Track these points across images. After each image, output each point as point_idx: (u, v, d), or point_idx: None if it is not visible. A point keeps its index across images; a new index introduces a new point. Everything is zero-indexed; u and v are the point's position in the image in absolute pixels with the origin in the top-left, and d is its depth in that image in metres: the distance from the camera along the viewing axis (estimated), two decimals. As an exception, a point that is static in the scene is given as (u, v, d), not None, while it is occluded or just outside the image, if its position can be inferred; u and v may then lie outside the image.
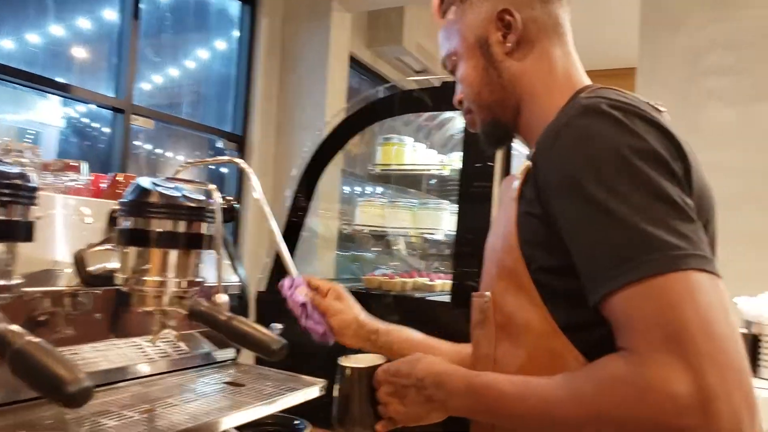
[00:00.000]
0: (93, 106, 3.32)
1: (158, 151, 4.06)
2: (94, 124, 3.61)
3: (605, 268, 0.67)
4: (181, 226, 0.99)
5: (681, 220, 0.66)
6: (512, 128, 0.95)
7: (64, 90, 3.00)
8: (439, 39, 0.99)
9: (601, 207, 0.67)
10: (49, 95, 3.10)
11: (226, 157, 1.23)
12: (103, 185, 1.33)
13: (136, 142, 3.66)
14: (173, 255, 0.99)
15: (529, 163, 0.81)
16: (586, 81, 0.91)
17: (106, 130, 3.36)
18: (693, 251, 0.64)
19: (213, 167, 4.47)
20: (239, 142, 3.94)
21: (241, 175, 3.96)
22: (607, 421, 0.65)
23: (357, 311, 1.17)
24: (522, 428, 0.78)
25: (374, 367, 0.97)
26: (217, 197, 1.15)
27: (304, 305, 1.14)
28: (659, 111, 0.80)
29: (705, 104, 3.13)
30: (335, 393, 1.00)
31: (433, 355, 1.03)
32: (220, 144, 3.90)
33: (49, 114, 3.51)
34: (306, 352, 1.46)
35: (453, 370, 0.86)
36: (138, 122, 3.32)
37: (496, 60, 0.90)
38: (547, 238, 0.75)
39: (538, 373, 0.76)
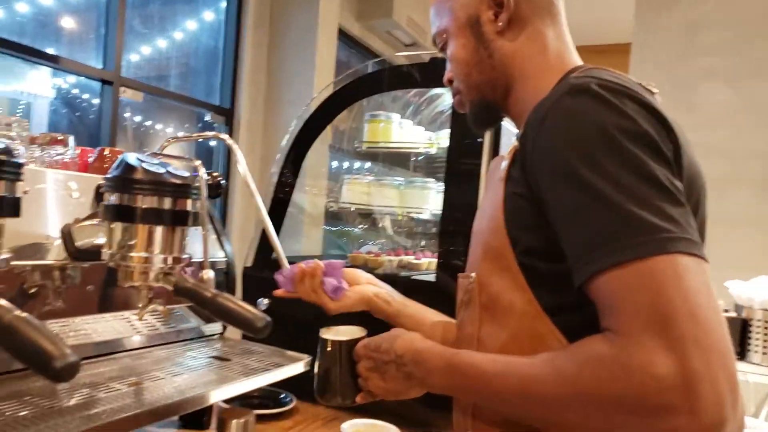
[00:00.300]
0: (83, 78, 3.29)
1: (147, 123, 4.03)
2: (83, 95, 3.58)
3: (592, 250, 0.67)
4: (166, 203, 1.00)
5: (669, 203, 0.65)
6: (501, 109, 0.94)
7: (53, 61, 2.96)
8: (430, 16, 0.98)
9: (588, 188, 0.67)
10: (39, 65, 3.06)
11: (212, 133, 1.23)
12: (90, 159, 1.34)
13: (125, 114, 3.64)
14: (158, 231, 1.00)
15: (516, 143, 0.80)
16: (579, 62, 0.89)
17: (96, 101, 3.33)
18: (680, 234, 0.64)
19: (201, 141, 4.45)
20: (227, 116, 3.92)
21: (229, 150, 3.93)
22: (588, 400, 0.65)
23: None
24: (503, 407, 0.78)
25: (355, 341, 0.99)
26: (203, 173, 1.15)
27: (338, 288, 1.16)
28: (651, 92, 0.79)
29: (700, 83, 3.12)
30: (317, 364, 1.02)
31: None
32: (208, 117, 3.88)
33: (39, 84, 3.47)
34: (291, 326, 1.48)
35: (432, 347, 0.87)
36: (126, 94, 3.29)
37: (486, 39, 0.89)
38: (534, 220, 0.75)
39: (521, 354, 0.76)
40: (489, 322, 0.83)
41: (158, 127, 4.16)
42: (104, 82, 3.20)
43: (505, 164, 0.82)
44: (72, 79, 3.39)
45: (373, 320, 1.16)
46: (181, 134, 3.86)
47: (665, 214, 0.64)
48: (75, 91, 3.60)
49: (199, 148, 4.36)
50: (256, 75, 3.95)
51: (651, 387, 0.60)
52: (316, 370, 1.03)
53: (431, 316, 1.15)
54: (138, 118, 3.91)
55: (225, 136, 1.21)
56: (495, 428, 0.82)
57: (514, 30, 0.88)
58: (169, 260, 1.02)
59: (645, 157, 0.66)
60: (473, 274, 0.86)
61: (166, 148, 1.26)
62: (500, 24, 0.88)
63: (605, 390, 0.64)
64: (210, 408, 1.30)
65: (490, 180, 0.92)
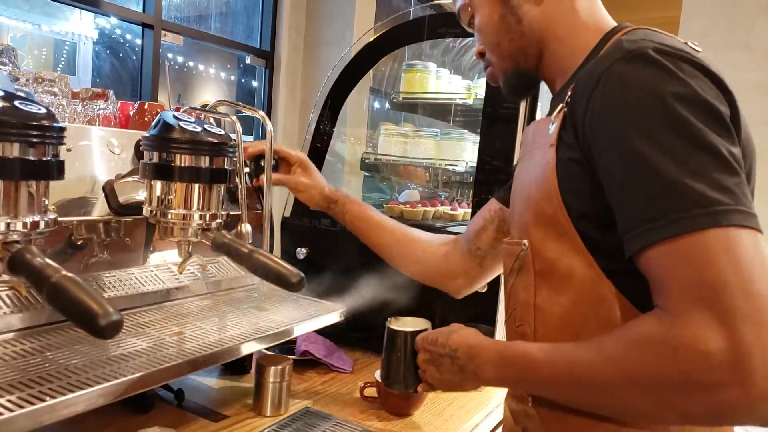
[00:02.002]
0: (124, 21, 3.31)
1: (188, 65, 4.05)
2: (126, 36, 3.61)
3: (643, 222, 0.65)
4: (203, 161, 1.02)
5: (725, 173, 0.63)
6: (535, 75, 0.93)
7: (93, 4, 2.98)
8: None
9: (641, 159, 0.65)
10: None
11: (250, 107, 1.26)
12: (131, 112, 1.36)
13: (169, 55, 3.66)
14: (196, 189, 1.03)
15: (563, 107, 0.78)
16: (611, 21, 0.87)
17: (138, 41, 3.36)
18: (735, 206, 0.62)
19: (243, 81, 4.46)
20: (267, 58, 3.90)
21: (270, 90, 3.95)
22: (637, 381, 0.64)
23: (322, 184, 1.33)
24: (555, 395, 0.78)
25: (417, 332, 1.05)
26: (239, 129, 1.17)
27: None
28: (697, 52, 0.76)
29: (757, 19, 2.95)
30: (383, 352, 1.10)
31: (382, 235, 1.26)
32: (248, 60, 3.87)
33: (82, 25, 3.51)
34: (329, 277, 1.51)
35: (484, 341, 0.88)
36: (167, 38, 3.30)
37: (513, 5, 0.87)
38: (589, 186, 0.74)
39: (583, 320, 0.76)
40: (546, 288, 0.82)
41: (201, 68, 4.18)
42: (145, 25, 3.21)
43: (554, 128, 0.80)
44: (114, 20, 3.41)
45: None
46: (224, 99, 3.87)
47: (720, 186, 0.62)
48: (118, 31, 3.63)
49: (239, 89, 4.38)
50: (295, 16, 3.90)
51: (698, 364, 0.59)
52: (382, 357, 1.10)
53: (392, 224, 1.30)
54: (180, 59, 3.93)
55: (262, 114, 1.24)
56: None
57: None
58: (207, 217, 1.05)
59: (701, 125, 0.64)
60: (525, 242, 0.85)
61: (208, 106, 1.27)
62: None
63: (652, 370, 0.63)
64: (250, 354, 1.36)
65: (533, 144, 0.89)
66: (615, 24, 0.86)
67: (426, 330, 1.05)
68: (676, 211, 0.63)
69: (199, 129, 1.04)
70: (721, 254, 0.60)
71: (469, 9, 0.93)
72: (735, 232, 0.61)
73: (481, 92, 1.64)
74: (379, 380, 1.24)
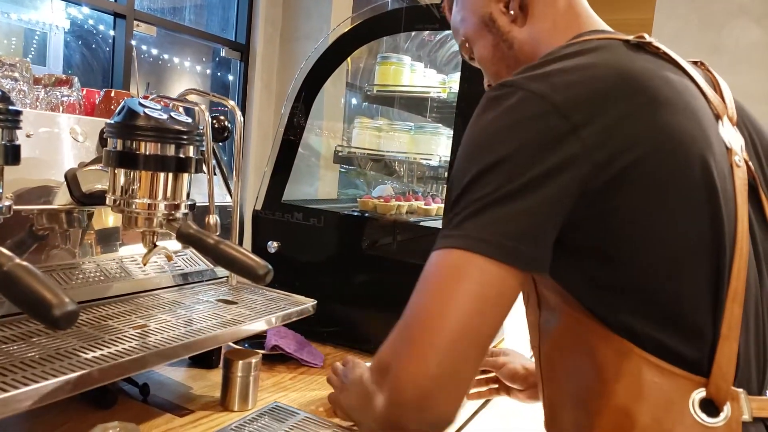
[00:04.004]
0: (96, 11, 3.24)
1: (163, 57, 3.99)
2: (99, 27, 3.54)
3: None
4: (169, 150, 1.00)
5: (495, 204, 0.63)
6: None
7: (63, -7, 2.92)
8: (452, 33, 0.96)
9: (454, 170, 0.69)
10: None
11: (219, 96, 1.24)
12: (96, 101, 1.33)
13: (143, 46, 3.60)
14: (161, 178, 1.00)
15: None
16: (590, 24, 0.84)
17: (111, 33, 3.30)
18: (467, 234, 0.63)
19: (218, 75, 4.41)
20: (242, 51, 3.86)
21: (245, 82, 3.90)
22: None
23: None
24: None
25: None
26: (208, 117, 1.14)
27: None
28: (640, 44, 0.74)
29: (730, 21, 2.99)
30: None
31: None
32: (223, 53, 3.82)
33: (53, 15, 3.43)
34: (300, 270, 1.49)
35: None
36: (140, 29, 3.24)
37: (503, 32, 0.86)
38: None
39: (570, 342, 0.75)
40: (545, 308, 0.82)
41: (176, 60, 4.12)
42: (117, 15, 3.15)
43: None
44: (86, 10, 3.34)
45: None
46: (195, 87, 3.81)
47: (467, 213, 0.63)
48: (90, 21, 3.56)
49: (214, 82, 4.33)
50: (271, 9, 3.86)
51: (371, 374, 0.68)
52: None
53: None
54: (154, 51, 3.87)
55: (232, 103, 1.20)
56: None
57: (526, 14, 0.85)
58: (172, 207, 1.02)
59: (489, 153, 0.66)
60: None
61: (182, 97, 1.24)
62: (512, 12, 0.85)
63: None
64: (218, 348, 1.33)
65: None
66: (588, 29, 0.83)
67: None
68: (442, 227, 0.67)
69: (164, 116, 1.01)
70: (428, 277, 0.63)
71: (467, 45, 0.92)
72: (453, 257, 0.61)
73: (456, 86, 1.63)
74: None
